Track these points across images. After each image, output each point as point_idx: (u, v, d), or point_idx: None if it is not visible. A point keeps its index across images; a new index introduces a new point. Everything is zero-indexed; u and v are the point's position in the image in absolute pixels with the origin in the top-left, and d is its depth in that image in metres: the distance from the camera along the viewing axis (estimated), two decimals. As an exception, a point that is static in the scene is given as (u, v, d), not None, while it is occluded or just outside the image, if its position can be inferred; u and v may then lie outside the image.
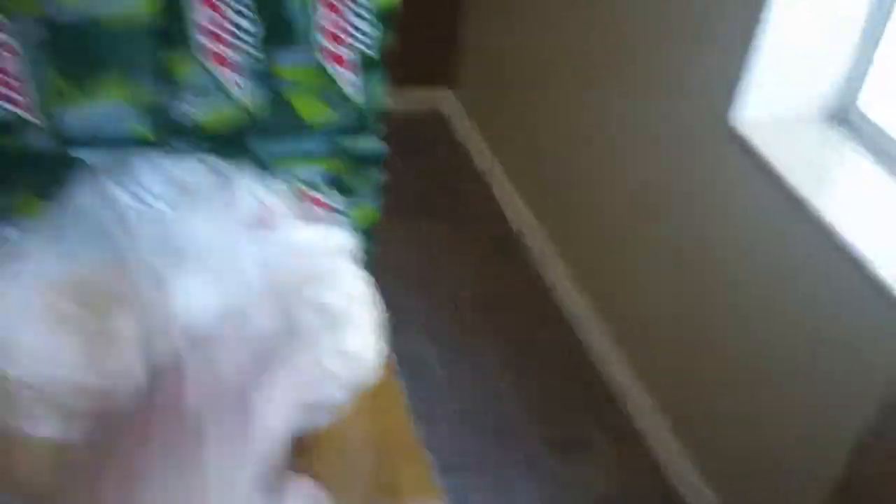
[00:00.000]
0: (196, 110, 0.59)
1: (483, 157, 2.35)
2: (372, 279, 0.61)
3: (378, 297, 0.61)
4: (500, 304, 1.96)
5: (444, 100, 2.51)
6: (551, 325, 1.93)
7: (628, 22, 1.66)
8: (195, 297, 0.53)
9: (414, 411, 0.67)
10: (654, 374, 1.65)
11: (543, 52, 2.10)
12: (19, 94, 0.56)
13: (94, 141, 0.59)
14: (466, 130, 2.45)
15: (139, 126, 0.59)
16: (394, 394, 0.67)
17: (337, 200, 0.64)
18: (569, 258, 2.00)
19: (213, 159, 0.56)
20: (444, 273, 1.97)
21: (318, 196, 0.63)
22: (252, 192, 0.56)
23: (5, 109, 0.56)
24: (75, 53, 0.55)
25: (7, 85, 0.55)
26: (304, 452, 0.57)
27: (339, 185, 0.64)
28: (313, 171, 0.63)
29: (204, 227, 0.54)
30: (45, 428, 0.51)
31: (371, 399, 0.62)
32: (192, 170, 0.55)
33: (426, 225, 2.04)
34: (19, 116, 0.56)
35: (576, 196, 1.99)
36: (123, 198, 0.53)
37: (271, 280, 0.56)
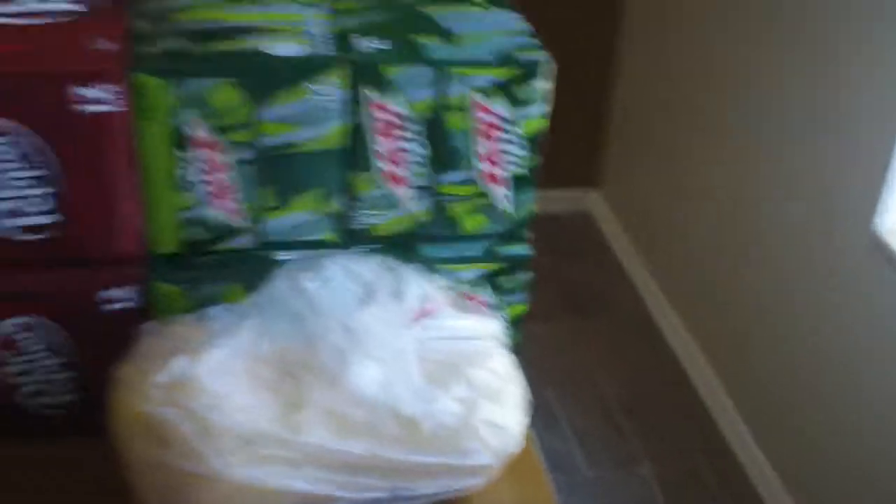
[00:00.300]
0: (374, 220, 0.72)
1: (629, 256, 2.41)
2: (519, 368, 0.71)
3: (525, 389, 0.71)
4: (646, 403, 2.01)
5: (590, 200, 2.59)
6: (697, 426, 1.97)
7: (773, 125, 1.73)
8: (368, 374, 0.64)
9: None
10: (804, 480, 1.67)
11: (690, 155, 2.16)
12: (234, 204, 0.69)
13: (291, 244, 0.71)
14: (612, 230, 2.52)
15: (328, 233, 0.71)
16: (535, 465, 0.76)
17: (490, 296, 0.75)
18: (714, 358, 2.03)
19: (387, 259, 0.68)
20: (589, 370, 2.04)
21: (474, 293, 0.73)
22: (418, 286, 0.67)
23: (223, 217, 0.69)
24: (279, 173, 0.68)
25: (225, 197, 0.68)
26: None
27: (492, 283, 0.75)
28: (470, 271, 0.74)
29: (377, 315, 0.65)
30: (240, 471, 0.62)
31: (514, 468, 0.72)
32: (370, 267, 0.66)
33: (571, 323, 2.13)
34: (232, 223, 0.69)
35: (719, 295, 2.03)
36: (314, 289, 0.64)
37: (430, 360, 0.66)
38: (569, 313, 2.18)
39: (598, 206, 2.61)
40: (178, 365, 0.62)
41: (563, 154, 2.29)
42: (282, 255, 0.71)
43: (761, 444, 1.83)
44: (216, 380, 0.62)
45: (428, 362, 0.67)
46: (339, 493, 0.65)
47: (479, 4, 0.74)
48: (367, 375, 0.65)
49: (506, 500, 0.74)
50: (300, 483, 0.64)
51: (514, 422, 0.70)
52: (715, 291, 2.07)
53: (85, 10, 0.68)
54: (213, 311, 0.66)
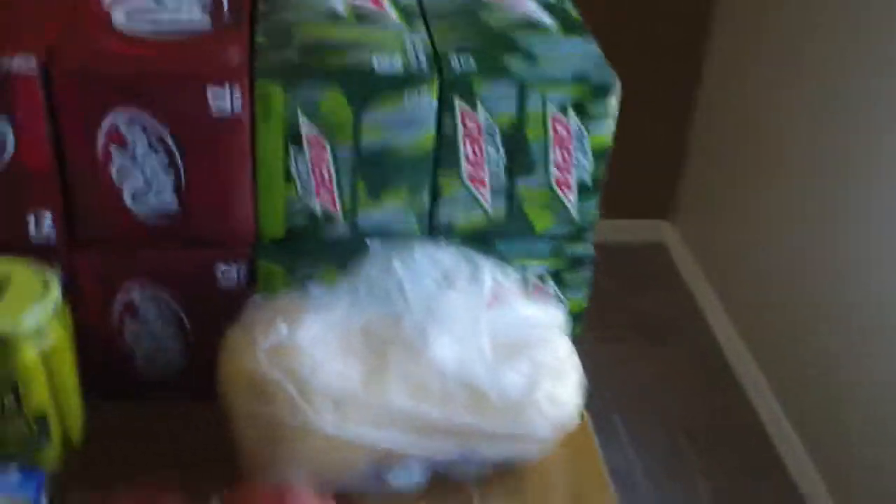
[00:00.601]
0: (455, 217, 0.81)
1: (700, 287, 2.46)
2: (575, 354, 0.80)
3: (581, 374, 0.79)
4: (709, 426, 2.07)
5: (664, 231, 2.65)
6: (764, 465, 2.02)
7: (854, 161, 1.78)
8: (445, 348, 0.73)
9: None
10: None
11: (765, 189, 2.21)
12: (333, 197, 0.79)
13: (381, 235, 0.81)
14: (685, 261, 2.57)
15: (414, 226, 0.81)
16: (589, 444, 0.84)
17: (553, 290, 0.84)
18: (781, 391, 2.07)
19: (465, 250, 0.77)
20: (654, 392, 2.11)
21: (541, 286, 0.82)
22: (492, 275, 0.76)
23: (323, 207, 0.79)
24: (374, 171, 0.78)
25: (326, 189, 0.78)
26: (514, 478, 0.76)
27: (556, 278, 0.84)
28: (538, 267, 0.83)
29: (456, 298, 0.74)
30: (332, 427, 0.71)
31: (569, 444, 0.80)
32: (450, 256, 0.76)
33: (640, 348, 2.20)
34: (329, 213, 0.79)
35: (794, 332, 2.07)
36: (401, 271, 0.74)
37: (499, 341, 0.75)
38: (638, 338, 2.25)
39: (672, 238, 2.66)
40: (282, 333, 0.72)
41: (639, 186, 2.36)
42: (371, 244, 0.81)
43: (821, 471, 1.87)
44: (314, 347, 0.72)
45: (497, 342, 0.75)
46: (414, 451, 0.75)
47: (557, 31, 0.83)
48: (445, 350, 0.74)
49: (560, 472, 0.82)
50: (382, 441, 0.73)
51: (571, 400, 0.78)
52: (785, 325, 2.11)
53: (212, 27, 0.78)
54: (311, 288, 0.76)
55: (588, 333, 0.87)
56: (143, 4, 0.79)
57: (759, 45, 2.26)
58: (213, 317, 0.80)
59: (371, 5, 0.83)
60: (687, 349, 2.33)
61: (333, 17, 0.81)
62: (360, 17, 0.81)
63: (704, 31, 2.45)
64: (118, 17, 0.77)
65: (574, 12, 0.87)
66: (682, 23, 2.38)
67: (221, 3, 0.81)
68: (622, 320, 2.23)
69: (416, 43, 0.79)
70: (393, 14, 0.83)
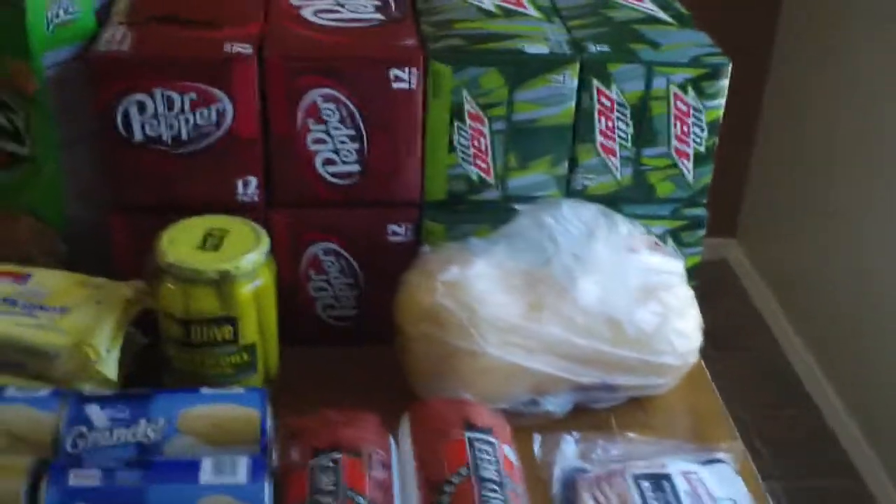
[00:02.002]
0: (588, 182, 0.95)
1: (766, 302, 2.56)
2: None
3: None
4: (779, 430, 2.17)
5: (729, 248, 2.74)
6: (826, 451, 2.11)
7: None
8: (591, 290, 0.86)
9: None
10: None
11: (830, 207, 2.30)
12: (487, 165, 0.93)
13: (526, 198, 0.94)
14: (750, 277, 2.67)
15: (554, 190, 0.95)
16: (705, 378, 0.97)
17: (672, 247, 0.97)
18: (850, 403, 2.16)
19: (603, 207, 0.90)
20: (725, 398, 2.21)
21: (660, 243, 0.95)
22: (627, 228, 0.89)
23: (478, 174, 0.93)
24: (522, 142, 0.92)
25: (482, 159, 0.92)
26: (643, 409, 0.88)
27: (674, 237, 0.97)
28: (659, 227, 0.96)
29: (597, 246, 0.87)
30: (495, 350, 0.84)
31: (689, 380, 0.93)
32: (591, 211, 0.89)
33: (708, 358, 2.30)
34: (484, 179, 0.93)
35: (859, 340, 2.17)
36: (551, 223, 0.87)
37: (633, 283, 0.88)
38: (706, 349, 2.36)
39: (737, 255, 2.76)
40: (453, 271, 0.85)
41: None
42: (518, 207, 0.94)
43: (887, 469, 1.96)
44: (480, 283, 0.85)
45: (632, 284, 0.89)
46: (563, 376, 0.87)
47: (673, 25, 0.97)
48: (589, 290, 0.87)
49: (682, 406, 0.95)
50: (537, 365, 0.86)
51: (694, 335, 0.91)
52: (849, 333, 2.20)
53: (386, 19, 0.93)
54: (472, 240, 0.90)
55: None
56: (325, 5, 0.94)
57: (822, 65, 2.37)
58: (382, 269, 0.94)
59: (513, 5, 0.98)
60: (753, 357, 2.44)
61: (485, 12, 0.95)
62: (507, 12, 0.96)
63: (767, 51, 2.57)
64: (307, 14, 0.92)
65: (683, 9, 1.01)
66: (745, 44, 2.50)
67: (389, 3, 0.96)
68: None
69: (557, 33, 0.93)
70: (532, 11, 0.97)
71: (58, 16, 0.83)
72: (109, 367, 0.83)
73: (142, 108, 0.84)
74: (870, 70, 2.17)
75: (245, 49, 0.85)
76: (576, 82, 0.90)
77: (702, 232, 0.97)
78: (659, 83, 0.91)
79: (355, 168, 0.90)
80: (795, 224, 2.49)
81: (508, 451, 0.77)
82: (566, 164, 0.93)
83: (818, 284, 2.38)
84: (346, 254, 0.94)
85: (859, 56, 2.21)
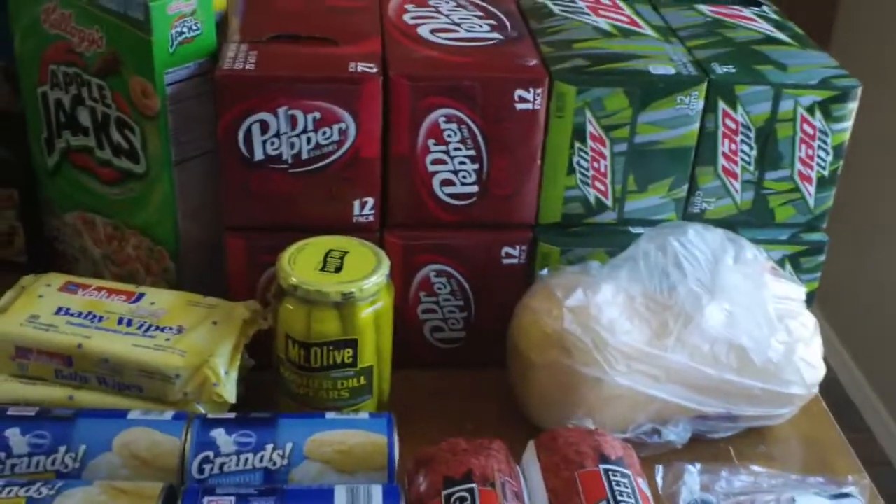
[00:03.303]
0: (708, 205, 0.93)
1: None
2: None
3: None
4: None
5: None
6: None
7: None
8: (718, 318, 0.84)
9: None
10: None
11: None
12: (604, 186, 0.91)
13: (643, 222, 0.93)
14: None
15: (672, 214, 0.92)
16: (824, 410, 0.94)
17: (791, 272, 0.95)
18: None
19: (728, 232, 0.88)
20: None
21: (779, 269, 0.93)
22: (753, 254, 0.87)
23: (596, 196, 0.91)
24: (642, 164, 0.90)
25: (601, 181, 0.90)
26: (763, 440, 0.86)
27: (793, 263, 0.95)
28: (779, 252, 0.94)
29: (726, 273, 0.85)
30: (621, 378, 0.82)
31: (807, 410, 0.90)
32: (718, 236, 0.87)
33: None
34: (601, 201, 0.91)
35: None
36: (677, 248, 0.85)
37: (766, 310, 0.86)
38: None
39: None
40: (578, 296, 0.83)
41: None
42: (634, 230, 0.92)
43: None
44: (606, 309, 0.83)
45: (758, 312, 0.86)
46: (688, 405, 0.85)
47: (794, 45, 0.95)
48: (715, 317, 0.85)
49: (803, 437, 0.92)
50: (663, 394, 0.84)
51: (819, 364, 0.89)
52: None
53: (504, 38, 0.91)
54: (592, 264, 0.88)
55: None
56: (441, 24, 0.92)
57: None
58: (494, 292, 0.92)
59: (629, 25, 0.96)
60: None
61: (603, 33, 0.93)
62: (625, 33, 0.94)
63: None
64: (424, 33, 0.91)
65: (798, 29, 0.99)
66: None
67: (504, 22, 0.94)
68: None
69: (679, 53, 0.91)
70: (650, 31, 0.95)
71: (181, 34, 0.82)
72: (228, 390, 0.81)
73: (265, 127, 0.83)
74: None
75: (371, 68, 0.83)
76: (702, 104, 0.88)
77: (822, 258, 0.95)
78: (786, 105, 0.89)
79: (473, 189, 0.88)
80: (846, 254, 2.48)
81: (642, 484, 0.75)
82: (686, 188, 0.91)
83: (878, 319, 2.36)
84: (458, 275, 0.92)
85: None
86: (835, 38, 2.58)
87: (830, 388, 2.35)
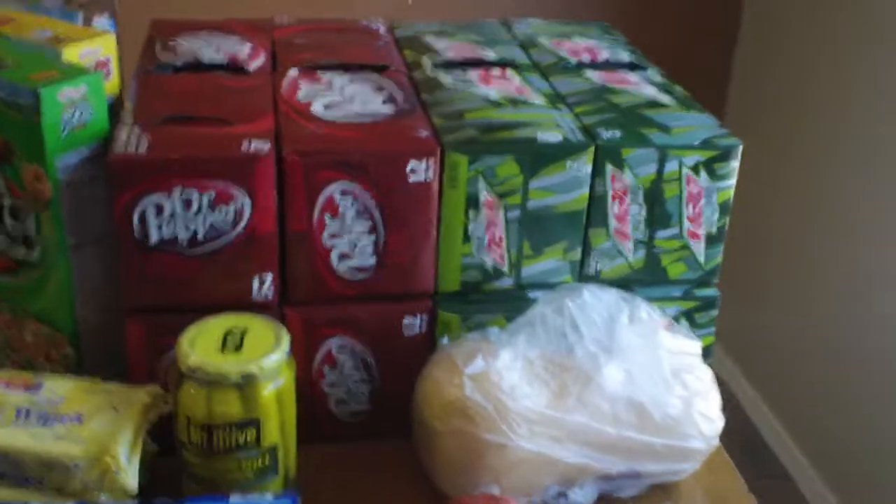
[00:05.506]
0: (602, 266, 0.95)
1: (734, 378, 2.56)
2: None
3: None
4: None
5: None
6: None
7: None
8: (616, 376, 0.86)
9: None
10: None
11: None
12: (502, 253, 0.92)
13: (540, 285, 0.94)
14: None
15: (567, 276, 0.94)
16: (726, 461, 0.96)
17: (686, 328, 0.97)
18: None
19: (622, 292, 0.90)
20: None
21: (674, 323, 0.95)
22: (646, 312, 0.89)
23: (492, 262, 0.92)
24: (536, 229, 0.92)
25: (496, 247, 0.92)
26: (668, 495, 0.88)
27: (688, 318, 0.97)
28: (672, 308, 0.96)
29: (622, 332, 0.87)
30: (524, 442, 0.83)
31: (710, 462, 0.92)
32: (611, 297, 0.89)
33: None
34: (498, 267, 0.93)
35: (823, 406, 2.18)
36: (572, 310, 0.87)
37: (662, 366, 0.88)
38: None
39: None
40: (479, 363, 0.85)
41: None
42: (532, 294, 0.94)
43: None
44: (506, 374, 0.84)
45: (655, 368, 0.88)
46: (593, 465, 0.87)
47: (679, 108, 0.98)
48: (614, 376, 0.87)
49: (706, 489, 0.94)
50: (566, 454, 0.85)
51: (717, 418, 0.91)
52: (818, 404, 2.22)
53: (396, 111, 0.93)
54: (491, 330, 0.89)
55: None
56: (334, 99, 0.94)
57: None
58: (397, 362, 0.93)
59: (517, 94, 0.98)
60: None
61: (493, 102, 0.96)
62: (514, 101, 0.96)
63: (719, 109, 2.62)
64: (317, 109, 0.92)
65: (683, 91, 1.02)
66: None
67: (396, 96, 0.96)
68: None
69: (566, 119, 0.93)
70: (538, 99, 0.98)
71: (72, 119, 0.82)
72: (130, 478, 0.80)
73: (159, 209, 0.83)
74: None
75: (264, 146, 0.84)
76: (590, 168, 0.90)
77: (715, 312, 0.98)
78: (671, 166, 0.91)
79: (371, 261, 0.89)
80: (761, 294, 2.53)
81: (549, 547, 0.75)
82: (579, 250, 0.93)
83: (786, 355, 2.41)
84: (360, 347, 0.93)
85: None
86: (731, 93, 2.66)
87: (746, 434, 2.38)
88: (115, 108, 0.91)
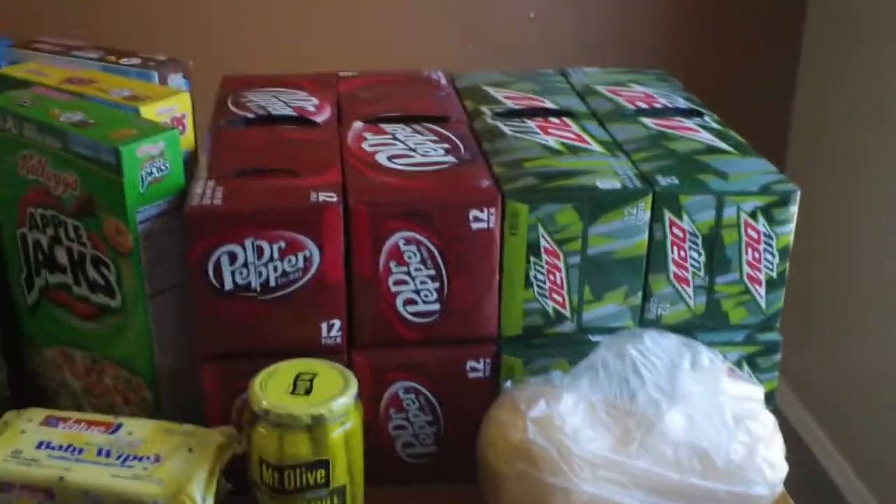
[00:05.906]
0: (663, 311, 0.96)
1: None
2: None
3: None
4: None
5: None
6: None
7: None
8: (679, 422, 0.87)
9: None
10: None
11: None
12: (563, 298, 0.94)
13: (601, 330, 0.96)
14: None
15: (628, 321, 0.96)
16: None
17: (749, 373, 0.98)
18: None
19: (684, 338, 0.91)
20: None
21: (736, 370, 0.96)
22: (708, 358, 0.90)
23: (554, 307, 0.94)
24: (596, 275, 0.94)
25: (557, 293, 0.94)
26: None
27: (750, 363, 0.98)
28: (734, 353, 0.97)
29: (684, 378, 0.88)
30: (588, 486, 0.85)
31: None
32: (672, 342, 0.90)
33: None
34: (560, 312, 0.95)
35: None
36: (634, 355, 0.89)
37: (725, 412, 0.89)
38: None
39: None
40: (542, 407, 0.86)
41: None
42: (593, 338, 0.96)
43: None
44: (569, 418, 0.86)
45: (718, 414, 0.89)
46: (654, 509, 0.88)
47: (735, 153, 1.00)
48: (676, 422, 0.88)
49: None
50: (628, 500, 0.86)
51: (781, 464, 0.91)
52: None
53: (458, 161, 0.96)
54: (554, 374, 0.91)
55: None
56: (398, 150, 0.97)
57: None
58: (462, 405, 0.95)
59: (577, 142, 1.01)
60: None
61: (552, 151, 0.98)
62: (573, 149, 0.99)
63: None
64: (382, 160, 0.95)
65: (739, 137, 1.04)
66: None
67: (458, 146, 0.99)
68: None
69: (624, 167, 0.95)
70: (595, 146, 1.00)
71: (150, 174, 0.86)
72: (205, 516, 0.83)
73: (233, 258, 0.86)
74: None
75: (331, 197, 0.87)
76: (648, 215, 0.92)
77: (777, 356, 0.98)
78: (730, 212, 0.93)
79: (435, 307, 0.92)
80: (829, 333, 2.51)
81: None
82: (640, 295, 0.95)
83: (854, 396, 2.39)
84: (425, 391, 0.95)
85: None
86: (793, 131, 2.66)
87: (813, 476, 2.36)
88: (189, 162, 0.95)
